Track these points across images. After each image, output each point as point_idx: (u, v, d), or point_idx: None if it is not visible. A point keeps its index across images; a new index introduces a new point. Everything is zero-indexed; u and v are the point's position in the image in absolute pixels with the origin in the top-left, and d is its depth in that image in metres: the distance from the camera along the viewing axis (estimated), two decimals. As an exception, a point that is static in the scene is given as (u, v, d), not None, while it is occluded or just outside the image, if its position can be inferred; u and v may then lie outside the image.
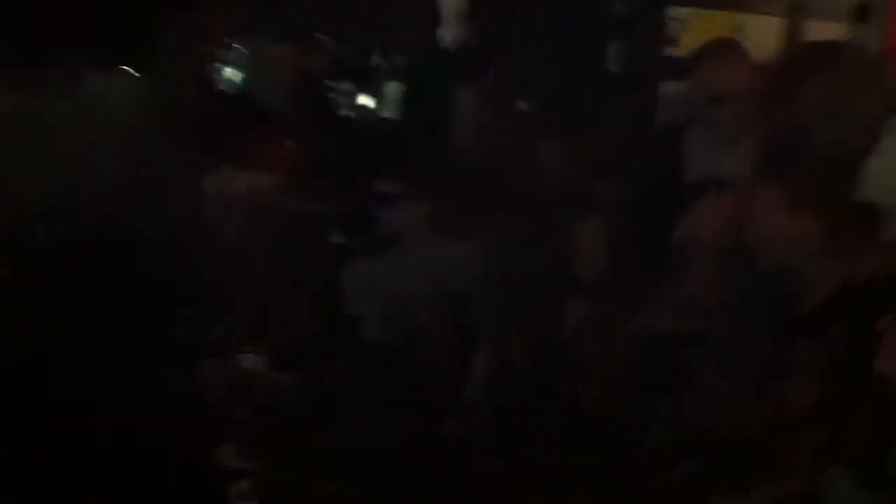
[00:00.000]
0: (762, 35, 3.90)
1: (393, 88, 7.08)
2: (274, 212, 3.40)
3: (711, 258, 2.75)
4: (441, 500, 2.91)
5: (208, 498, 2.77)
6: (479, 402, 3.07)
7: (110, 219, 2.97)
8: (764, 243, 2.56)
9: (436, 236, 3.15)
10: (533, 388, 3.06)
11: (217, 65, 4.21)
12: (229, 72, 4.41)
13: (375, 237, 3.18)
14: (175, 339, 2.81)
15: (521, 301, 3.17)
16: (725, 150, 3.16)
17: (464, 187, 3.41)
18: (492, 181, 3.54)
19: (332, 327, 2.97)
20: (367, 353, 2.98)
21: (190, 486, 2.71)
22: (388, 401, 2.98)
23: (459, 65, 4.90)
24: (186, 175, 3.13)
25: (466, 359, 3.03)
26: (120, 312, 2.72)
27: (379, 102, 7.34)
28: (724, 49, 3.44)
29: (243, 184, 3.15)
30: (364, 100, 7.62)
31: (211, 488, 2.79)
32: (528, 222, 3.42)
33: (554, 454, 2.96)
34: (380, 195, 3.16)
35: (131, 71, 3.81)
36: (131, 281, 2.75)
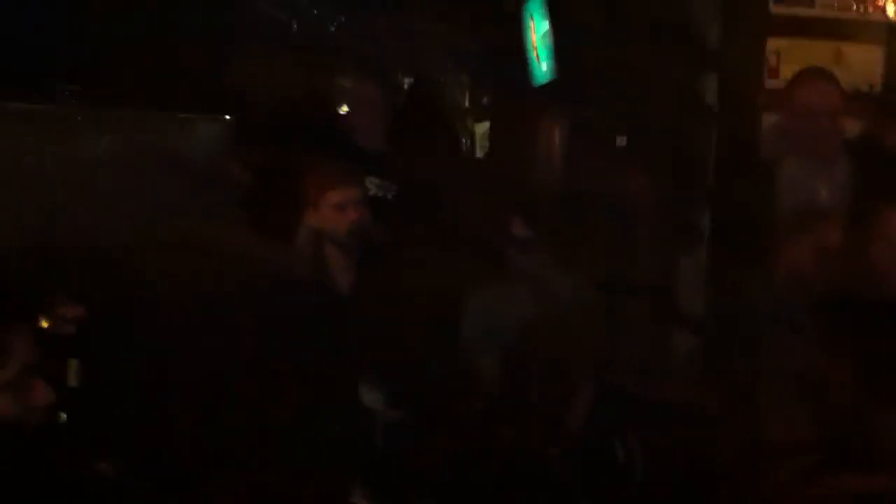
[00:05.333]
0: (863, 63, 3.84)
1: (482, 126, 7.10)
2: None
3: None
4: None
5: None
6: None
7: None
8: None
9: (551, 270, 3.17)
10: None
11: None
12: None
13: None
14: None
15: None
16: (820, 180, 3.15)
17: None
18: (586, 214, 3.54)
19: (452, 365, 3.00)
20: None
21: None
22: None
23: (551, 100, 4.89)
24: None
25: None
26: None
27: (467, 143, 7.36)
28: (815, 77, 3.42)
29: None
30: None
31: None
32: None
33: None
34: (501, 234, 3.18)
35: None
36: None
